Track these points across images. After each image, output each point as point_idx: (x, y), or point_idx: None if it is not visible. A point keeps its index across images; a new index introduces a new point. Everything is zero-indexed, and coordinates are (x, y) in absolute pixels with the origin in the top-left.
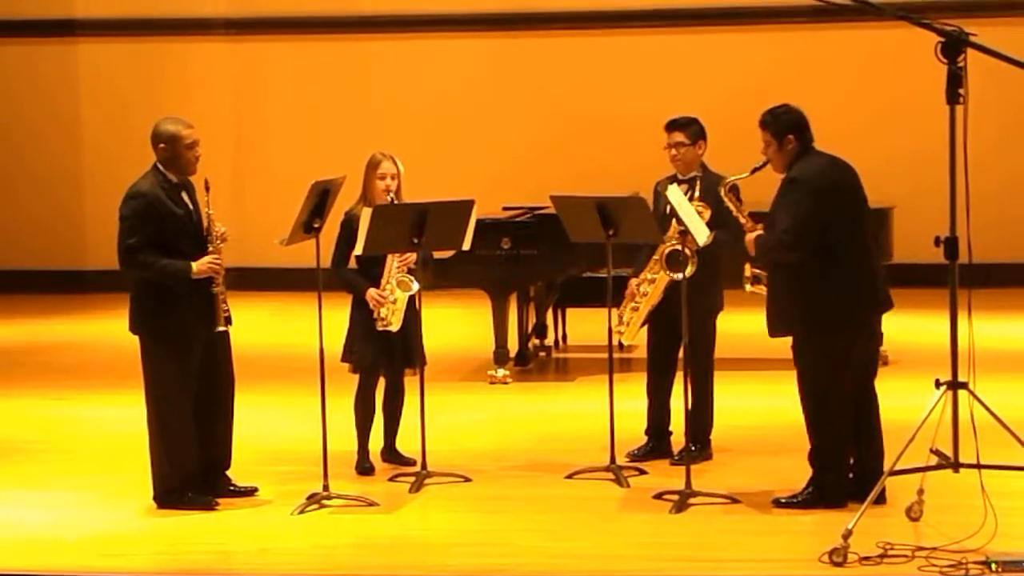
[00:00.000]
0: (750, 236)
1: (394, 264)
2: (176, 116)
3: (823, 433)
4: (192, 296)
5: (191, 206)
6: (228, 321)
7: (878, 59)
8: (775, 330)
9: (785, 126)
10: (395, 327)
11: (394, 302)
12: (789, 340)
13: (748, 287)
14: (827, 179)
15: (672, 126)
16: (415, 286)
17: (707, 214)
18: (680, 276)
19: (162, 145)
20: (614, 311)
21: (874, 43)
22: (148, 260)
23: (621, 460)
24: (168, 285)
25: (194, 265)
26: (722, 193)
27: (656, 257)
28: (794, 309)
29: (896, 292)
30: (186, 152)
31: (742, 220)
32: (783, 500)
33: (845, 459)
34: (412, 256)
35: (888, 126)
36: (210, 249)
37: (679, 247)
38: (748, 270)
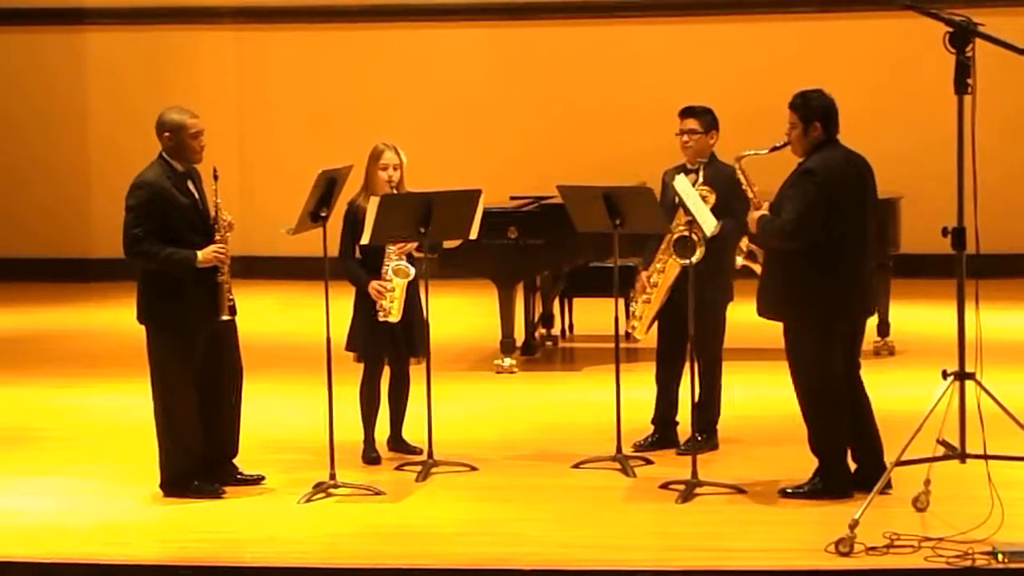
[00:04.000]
0: (754, 214)
1: (391, 251)
2: (181, 105)
3: (819, 424)
4: (197, 285)
5: (197, 195)
6: (232, 310)
7: (885, 49)
8: (765, 311)
9: (814, 112)
10: (395, 317)
11: (392, 290)
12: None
13: (740, 259)
14: (841, 176)
15: (686, 113)
16: (412, 271)
17: (712, 199)
18: (688, 262)
19: (167, 134)
20: (624, 302)
21: (882, 33)
22: (153, 249)
23: (627, 450)
24: (173, 274)
25: (199, 254)
26: (736, 165)
27: (664, 245)
28: (788, 298)
29: (903, 282)
30: (191, 141)
31: (750, 195)
32: (789, 490)
33: (843, 450)
34: (410, 244)
35: (895, 116)
36: (216, 238)
37: (687, 233)
38: (745, 244)
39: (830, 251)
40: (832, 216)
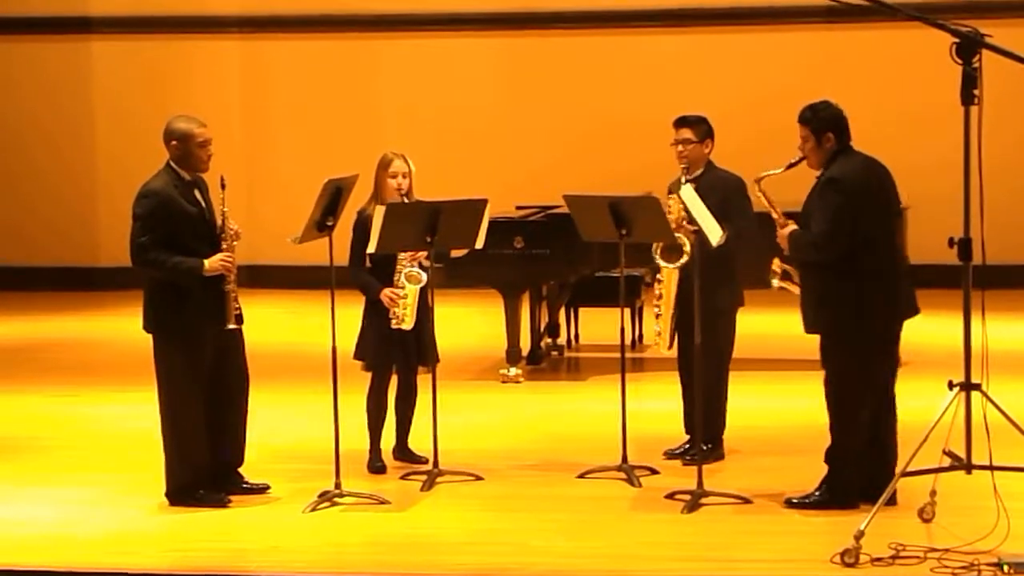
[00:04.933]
0: (783, 232)
1: (402, 259)
2: (189, 114)
3: (844, 433)
4: (204, 294)
5: (204, 204)
6: (239, 319)
7: (893, 60)
8: (810, 327)
9: (825, 123)
10: (408, 324)
11: (405, 296)
12: (807, 339)
13: (776, 282)
14: (864, 181)
15: (681, 123)
16: (424, 278)
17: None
18: (677, 265)
19: (174, 143)
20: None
21: (890, 44)
22: (160, 258)
23: (659, 457)
24: (180, 283)
25: (206, 262)
26: (757, 188)
27: (655, 252)
28: (824, 309)
29: None
30: (198, 150)
31: (775, 215)
32: (795, 500)
33: (862, 459)
34: (420, 252)
35: (902, 126)
36: (223, 247)
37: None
38: (777, 265)
39: (860, 258)
40: (859, 222)
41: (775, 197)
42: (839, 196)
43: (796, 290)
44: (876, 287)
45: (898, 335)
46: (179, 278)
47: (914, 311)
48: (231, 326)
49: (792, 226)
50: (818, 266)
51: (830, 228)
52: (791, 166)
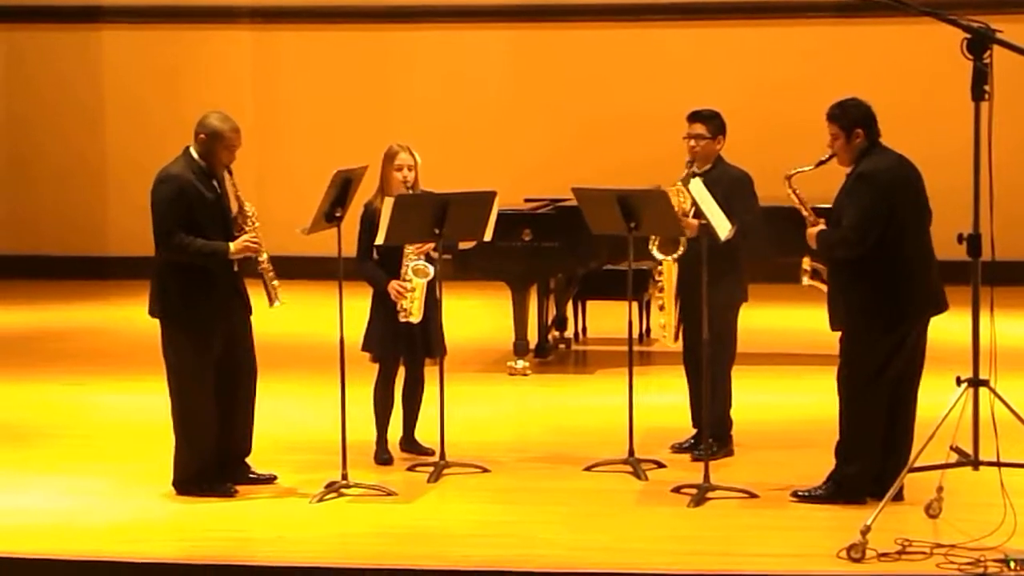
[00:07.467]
0: (812, 230)
1: (409, 251)
2: (229, 116)
3: (853, 426)
4: (218, 282)
5: (219, 190)
6: (271, 299)
7: (902, 55)
8: (836, 324)
9: (854, 120)
10: (416, 317)
11: (412, 290)
12: (815, 334)
13: (806, 280)
14: (895, 177)
15: (694, 117)
16: (431, 271)
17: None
18: (674, 257)
19: (202, 136)
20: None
21: (899, 39)
22: (185, 241)
23: (665, 451)
24: (205, 265)
25: (232, 245)
26: (788, 187)
27: (651, 245)
28: (849, 302)
29: None
30: (222, 152)
31: (804, 212)
32: (801, 492)
33: (872, 455)
34: (428, 244)
35: (912, 122)
36: (246, 229)
37: None
38: (807, 263)
39: (888, 254)
40: (891, 218)
41: (805, 195)
42: (870, 190)
43: (825, 288)
44: (902, 283)
45: (922, 332)
46: (205, 261)
47: (942, 307)
48: (277, 303)
49: (821, 225)
50: (847, 262)
51: (861, 223)
52: (821, 163)
